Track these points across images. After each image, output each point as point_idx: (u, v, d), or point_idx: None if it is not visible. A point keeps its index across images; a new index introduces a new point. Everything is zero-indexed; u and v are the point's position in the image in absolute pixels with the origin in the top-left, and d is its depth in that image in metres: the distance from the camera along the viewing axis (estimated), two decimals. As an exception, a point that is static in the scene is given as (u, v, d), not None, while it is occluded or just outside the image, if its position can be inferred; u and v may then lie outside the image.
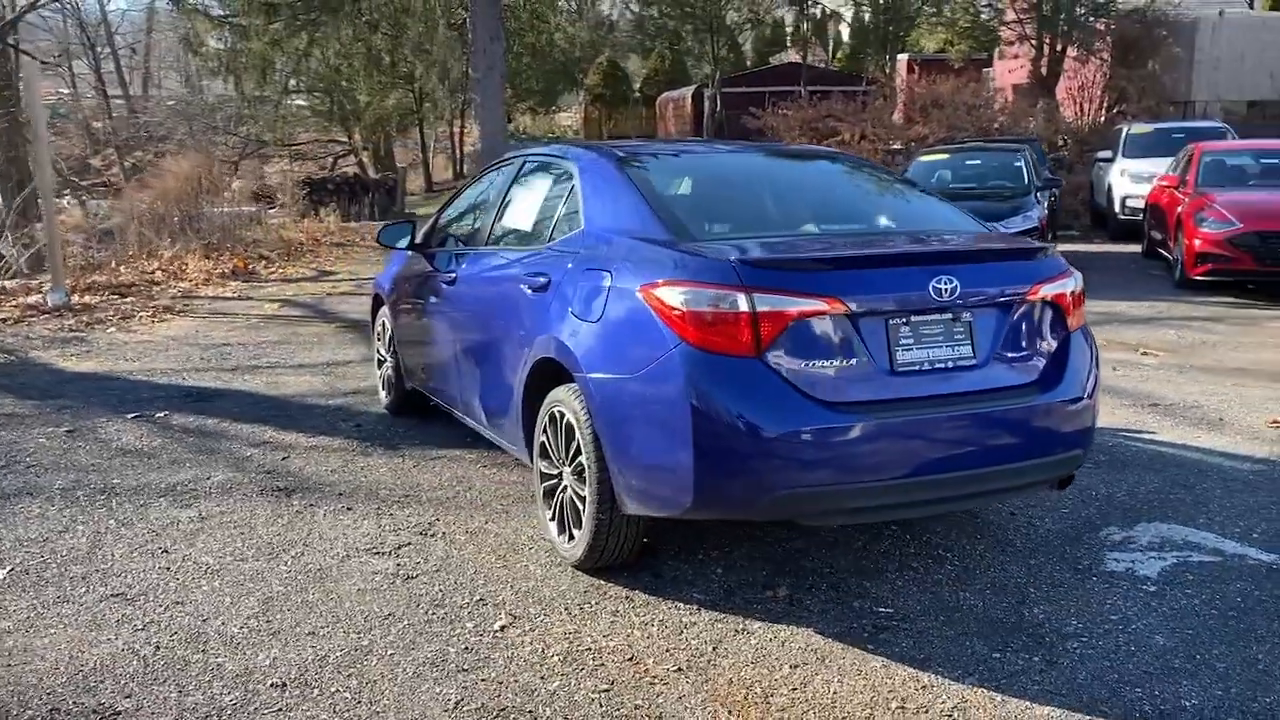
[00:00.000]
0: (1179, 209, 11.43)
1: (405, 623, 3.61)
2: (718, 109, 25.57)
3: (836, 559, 4.09)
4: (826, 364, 3.38)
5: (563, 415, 3.93)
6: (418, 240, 5.83)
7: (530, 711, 3.04)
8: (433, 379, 5.59)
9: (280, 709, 3.06)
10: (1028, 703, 3.05)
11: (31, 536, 4.45)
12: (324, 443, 5.88)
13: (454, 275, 5.10)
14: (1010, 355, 3.65)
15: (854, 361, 3.41)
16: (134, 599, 3.82)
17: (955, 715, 2.99)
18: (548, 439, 4.10)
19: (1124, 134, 16.92)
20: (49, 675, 3.25)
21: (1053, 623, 3.54)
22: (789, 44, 44.69)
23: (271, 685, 3.20)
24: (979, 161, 13.04)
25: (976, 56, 29.96)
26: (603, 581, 3.91)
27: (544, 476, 4.19)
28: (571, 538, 3.97)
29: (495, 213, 5.02)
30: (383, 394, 6.58)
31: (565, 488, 4.02)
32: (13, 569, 4.10)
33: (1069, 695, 3.08)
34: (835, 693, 3.11)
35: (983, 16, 27.51)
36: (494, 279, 4.71)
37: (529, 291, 4.25)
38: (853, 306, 3.39)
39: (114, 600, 3.81)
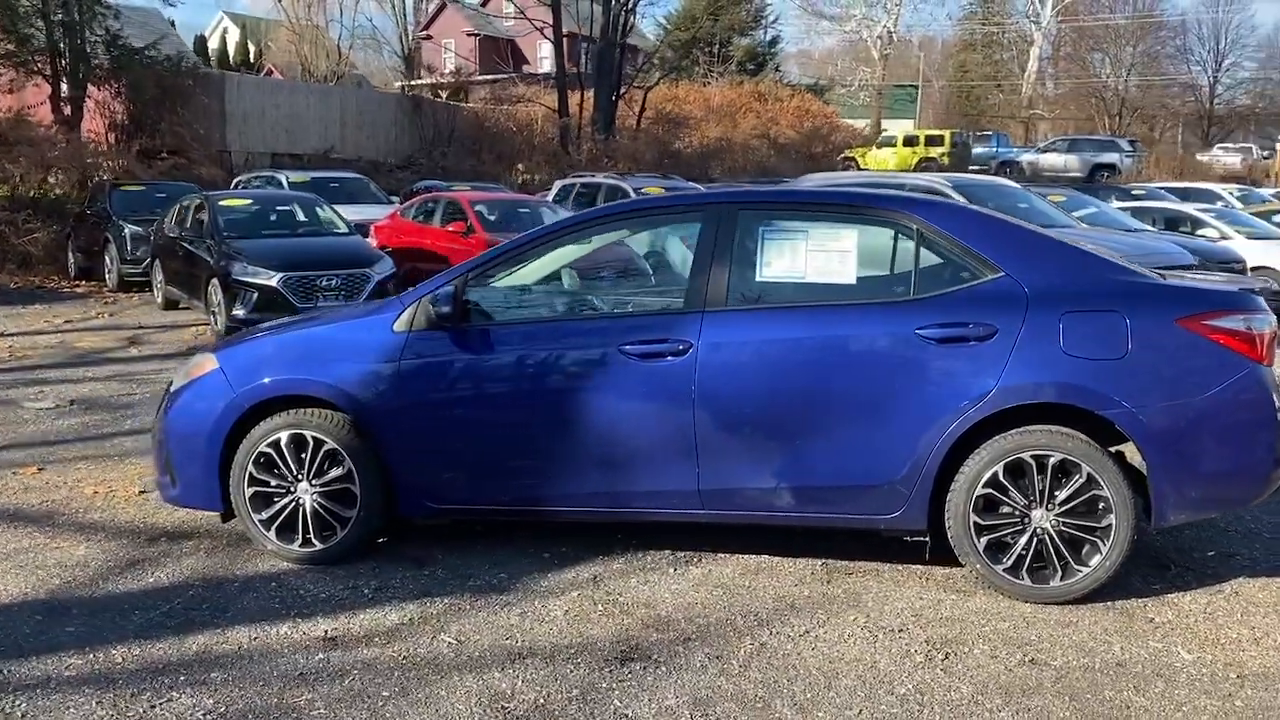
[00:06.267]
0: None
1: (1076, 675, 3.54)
2: None
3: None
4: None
5: (1047, 458, 4.09)
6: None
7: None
8: (553, 480, 4.42)
9: None
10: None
11: None
12: (400, 616, 4.04)
13: (683, 345, 4.23)
14: None
15: None
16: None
17: None
18: (1000, 489, 4.13)
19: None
20: None
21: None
22: None
23: None
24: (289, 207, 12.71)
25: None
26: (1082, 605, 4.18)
27: (985, 529, 4.17)
28: (1065, 575, 4.12)
29: (722, 273, 4.32)
30: (288, 545, 4.55)
31: (1036, 530, 4.14)
32: None
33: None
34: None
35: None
36: (826, 339, 4.21)
37: (940, 344, 4.13)
38: None
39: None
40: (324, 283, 11.01)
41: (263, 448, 4.50)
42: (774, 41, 47.75)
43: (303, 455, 4.50)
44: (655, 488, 4.35)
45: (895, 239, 4.42)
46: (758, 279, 4.41)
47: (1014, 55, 61.26)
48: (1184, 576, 4.52)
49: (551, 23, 28.54)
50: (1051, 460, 4.08)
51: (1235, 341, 4.10)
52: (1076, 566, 4.12)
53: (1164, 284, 4.33)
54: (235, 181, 18.89)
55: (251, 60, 48.08)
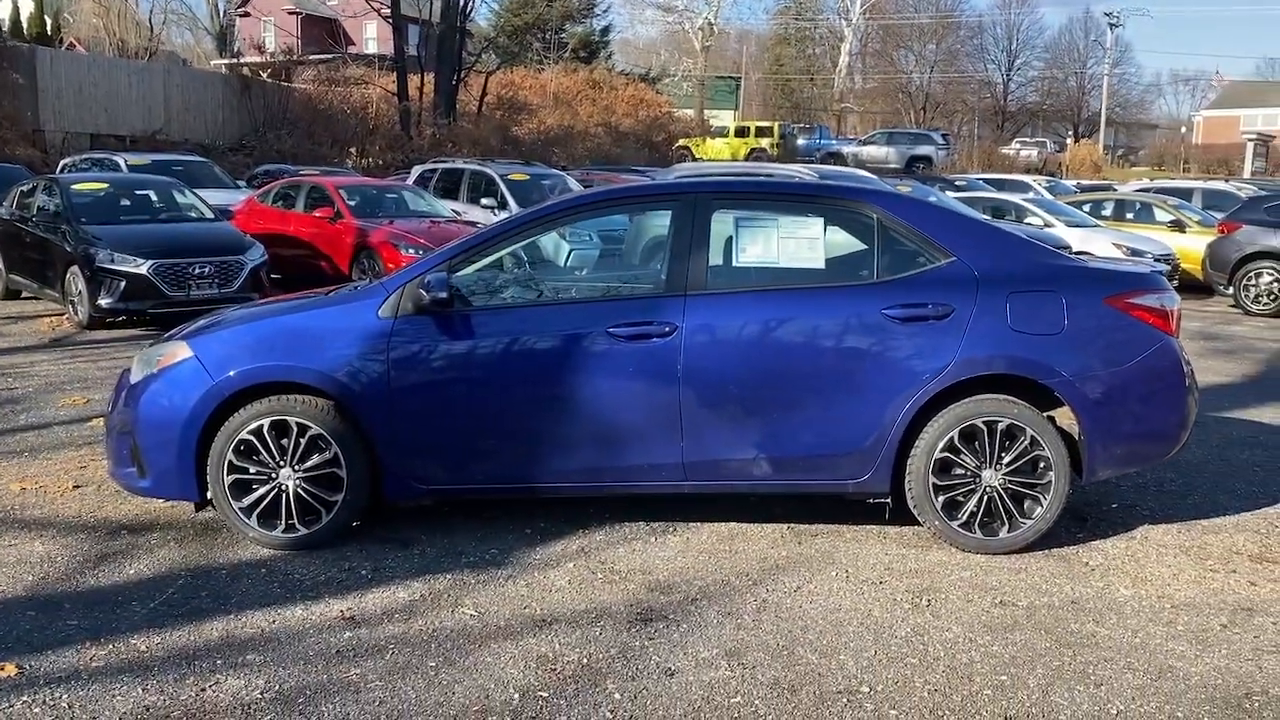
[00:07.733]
0: (355, 239, 12.70)
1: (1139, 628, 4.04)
2: None
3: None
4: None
5: (996, 423, 4.55)
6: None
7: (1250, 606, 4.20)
8: (543, 458, 4.59)
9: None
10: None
11: None
12: (410, 594, 4.16)
13: (669, 327, 4.48)
14: None
15: None
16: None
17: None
18: (955, 452, 4.56)
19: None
20: None
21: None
22: None
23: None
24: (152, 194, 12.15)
25: None
26: (1029, 554, 4.68)
27: (942, 489, 4.60)
28: (1011, 527, 4.60)
29: (701, 258, 4.57)
30: (270, 531, 4.55)
31: (987, 488, 4.59)
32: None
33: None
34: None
35: None
36: (801, 319, 4.52)
37: (903, 323, 4.52)
38: None
39: None
40: (196, 270, 10.63)
41: (243, 435, 4.48)
42: (606, 30, 48.13)
43: (284, 441, 4.50)
44: (642, 462, 4.58)
45: (858, 227, 4.78)
46: (734, 264, 4.70)
47: (826, 50, 64.01)
48: (1099, 526, 5.09)
49: (388, 3, 27.94)
50: (1000, 425, 4.54)
51: (1152, 317, 4.66)
52: (1021, 519, 4.61)
53: (1092, 266, 4.87)
54: (62, 164, 17.76)
55: (50, 33, 44.82)
